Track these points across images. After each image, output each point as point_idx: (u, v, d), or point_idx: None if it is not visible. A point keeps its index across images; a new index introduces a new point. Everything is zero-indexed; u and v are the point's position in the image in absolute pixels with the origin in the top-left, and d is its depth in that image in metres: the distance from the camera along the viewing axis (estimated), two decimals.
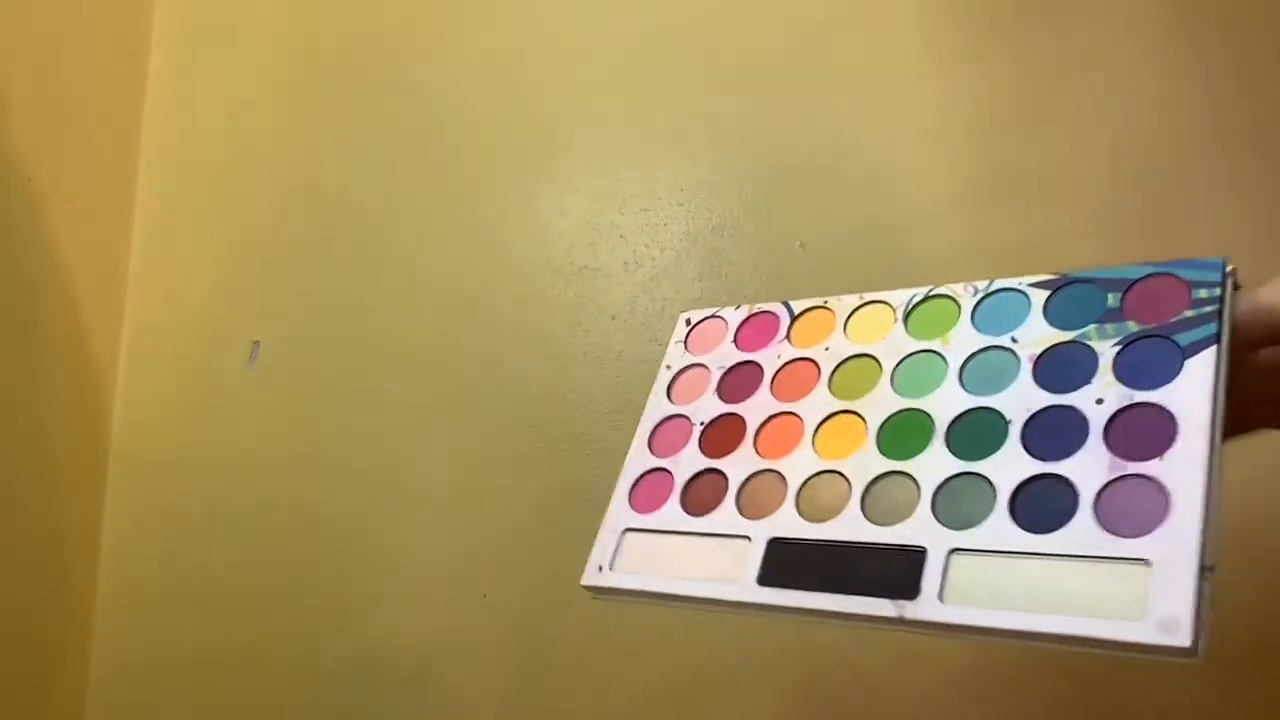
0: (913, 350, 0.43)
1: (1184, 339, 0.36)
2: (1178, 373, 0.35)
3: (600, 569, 0.44)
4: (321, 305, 0.90)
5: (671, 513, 0.44)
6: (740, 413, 0.45)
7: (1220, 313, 0.36)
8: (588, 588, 0.44)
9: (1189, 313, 0.37)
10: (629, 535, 0.44)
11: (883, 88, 0.79)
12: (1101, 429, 0.36)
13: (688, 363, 0.49)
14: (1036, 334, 0.40)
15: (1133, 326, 0.38)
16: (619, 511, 0.45)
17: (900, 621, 0.35)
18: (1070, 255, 0.68)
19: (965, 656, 0.67)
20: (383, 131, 0.91)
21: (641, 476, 0.46)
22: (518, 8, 0.89)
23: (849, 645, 0.73)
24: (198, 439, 0.91)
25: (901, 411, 0.41)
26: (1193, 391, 0.35)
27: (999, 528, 0.35)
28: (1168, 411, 0.35)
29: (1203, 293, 0.37)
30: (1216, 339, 0.35)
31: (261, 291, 0.92)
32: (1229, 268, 0.37)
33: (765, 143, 0.81)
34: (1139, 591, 0.32)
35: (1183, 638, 0.30)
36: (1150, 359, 0.36)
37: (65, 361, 0.89)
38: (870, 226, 0.76)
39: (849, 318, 0.46)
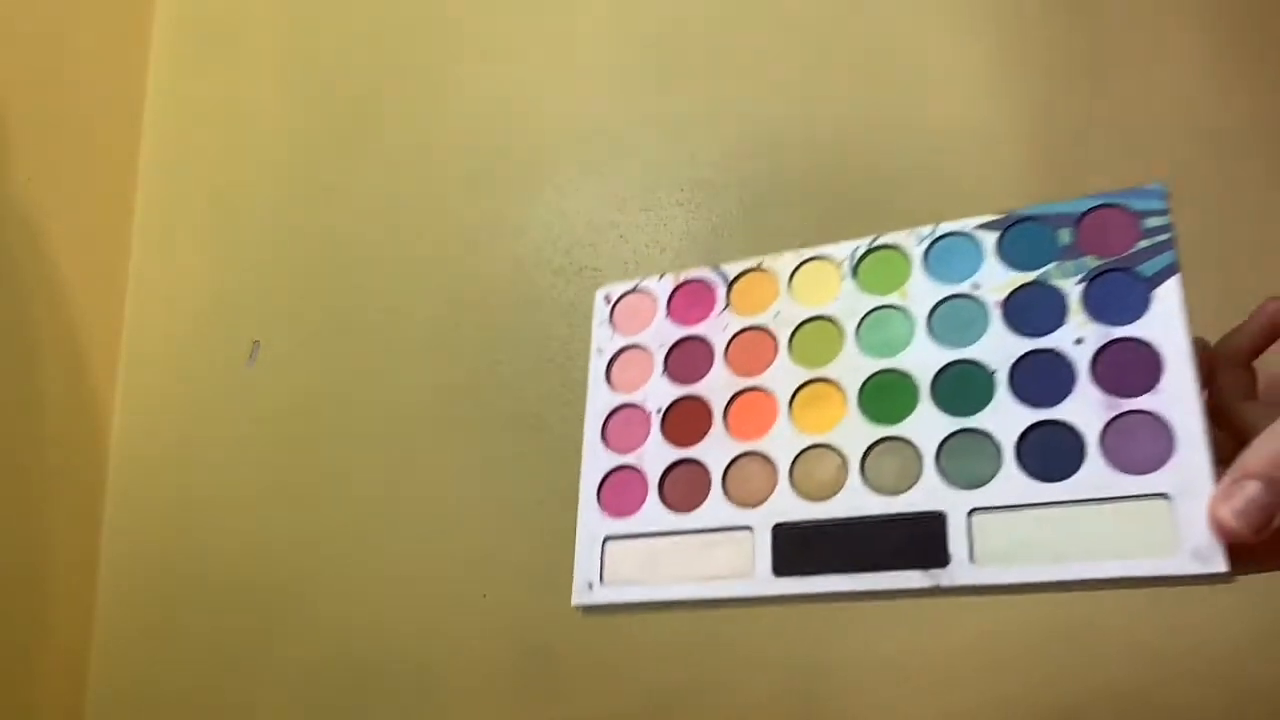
0: (871, 307, 0.41)
1: (1146, 270, 0.37)
2: (1148, 305, 0.36)
3: (590, 585, 0.42)
4: (321, 305, 0.90)
5: (653, 513, 0.42)
6: (699, 394, 0.43)
7: (1174, 240, 0.36)
8: (582, 607, 0.42)
9: (1143, 243, 0.37)
10: (612, 544, 0.42)
11: (884, 88, 0.79)
12: (1088, 369, 0.36)
13: (621, 345, 0.46)
14: (997, 278, 0.39)
15: (1091, 261, 0.38)
16: (591, 519, 0.43)
17: (936, 590, 0.35)
18: None
19: None
20: (382, 131, 0.91)
21: (606, 477, 0.44)
22: (518, 8, 0.90)
23: (851, 649, 0.72)
24: (197, 439, 0.91)
25: (878, 374, 0.40)
26: (1167, 321, 0.35)
27: (1011, 482, 0.35)
28: (1148, 344, 0.35)
29: (1152, 221, 0.37)
30: (1177, 267, 0.36)
31: (261, 291, 0.92)
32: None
33: (765, 143, 0.81)
34: (1165, 525, 0.32)
35: (1218, 564, 0.31)
36: (1117, 292, 0.37)
37: (65, 362, 0.89)
38: (872, 227, 0.76)
39: (791, 278, 0.44)
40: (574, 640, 0.78)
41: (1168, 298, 0.36)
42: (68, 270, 0.88)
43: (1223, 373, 0.39)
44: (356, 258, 0.90)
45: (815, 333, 0.42)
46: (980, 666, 0.68)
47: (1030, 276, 0.39)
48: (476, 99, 0.89)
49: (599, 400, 0.45)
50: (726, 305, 0.45)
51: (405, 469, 0.84)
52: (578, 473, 0.80)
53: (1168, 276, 0.36)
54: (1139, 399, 0.35)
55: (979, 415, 0.37)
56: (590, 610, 0.42)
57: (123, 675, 0.89)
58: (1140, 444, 0.34)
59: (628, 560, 0.42)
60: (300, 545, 0.86)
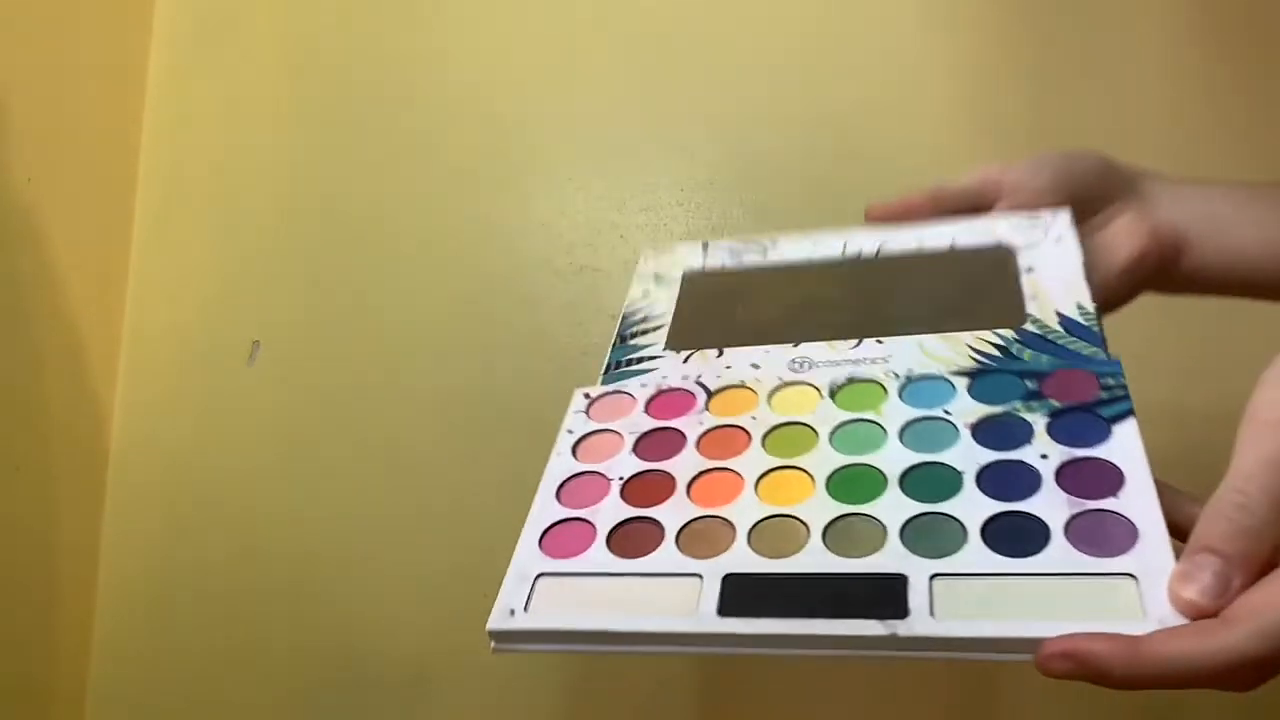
0: (847, 419, 0.43)
1: (1106, 412, 0.39)
2: (1109, 435, 0.38)
3: (512, 612, 0.38)
4: (321, 305, 0.90)
5: (597, 556, 0.39)
6: (666, 469, 0.42)
7: (1129, 395, 0.40)
8: (496, 633, 0.38)
9: (1103, 394, 0.40)
10: (544, 580, 0.39)
11: (886, 88, 0.79)
12: (1053, 476, 0.37)
13: (593, 428, 0.46)
14: (968, 408, 0.42)
15: (1055, 403, 0.41)
16: (528, 558, 0.40)
17: (893, 640, 0.33)
18: None
19: None
20: (382, 131, 0.91)
21: (551, 526, 0.41)
22: (518, 7, 0.90)
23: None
24: (198, 440, 0.91)
25: (849, 465, 0.40)
26: (1128, 447, 0.38)
27: (977, 555, 0.35)
28: (1111, 463, 0.37)
29: (1110, 380, 0.41)
30: (1133, 413, 0.39)
31: (261, 291, 0.92)
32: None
33: (766, 143, 0.81)
34: (1131, 598, 0.33)
35: None
36: (1080, 426, 0.39)
37: (65, 362, 0.89)
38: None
39: (771, 395, 0.45)
40: None
41: (1128, 431, 0.38)
42: (68, 270, 0.88)
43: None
44: (357, 258, 0.90)
45: (790, 432, 0.43)
46: None
47: (999, 410, 0.41)
48: (477, 99, 0.89)
49: (559, 467, 0.44)
50: (705, 409, 0.45)
51: (404, 468, 0.85)
52: None
53: (1125, 418, 0.39)
54: (1104, 501, 0.36)
55: (946, 503, 0.38)
56: (504, 639, 0.38)
57: (123, 675, 0.89)
58: (1105, 533, 0.35)
59: (561, 595, 0.38)
60: (300, 545, 0.86)
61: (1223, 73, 0.73)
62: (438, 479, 0.84)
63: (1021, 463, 0.38)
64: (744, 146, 0.82)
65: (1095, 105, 0.75)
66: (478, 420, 0.84)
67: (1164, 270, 0.50)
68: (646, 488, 0.42)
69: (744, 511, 0.39)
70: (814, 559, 0.37)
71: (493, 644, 0.38)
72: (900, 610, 0.34)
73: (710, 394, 0.46)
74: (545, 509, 0.42)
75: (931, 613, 0.34)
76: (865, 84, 0.80)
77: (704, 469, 0.42)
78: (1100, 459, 0.37)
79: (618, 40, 0.87)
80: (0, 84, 0.83)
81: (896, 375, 0.44)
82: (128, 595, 0.90)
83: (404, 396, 0.86)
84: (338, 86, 0.94)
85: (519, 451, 0.82)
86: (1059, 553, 0.34)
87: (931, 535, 0.37)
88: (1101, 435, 0.38)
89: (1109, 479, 0.37)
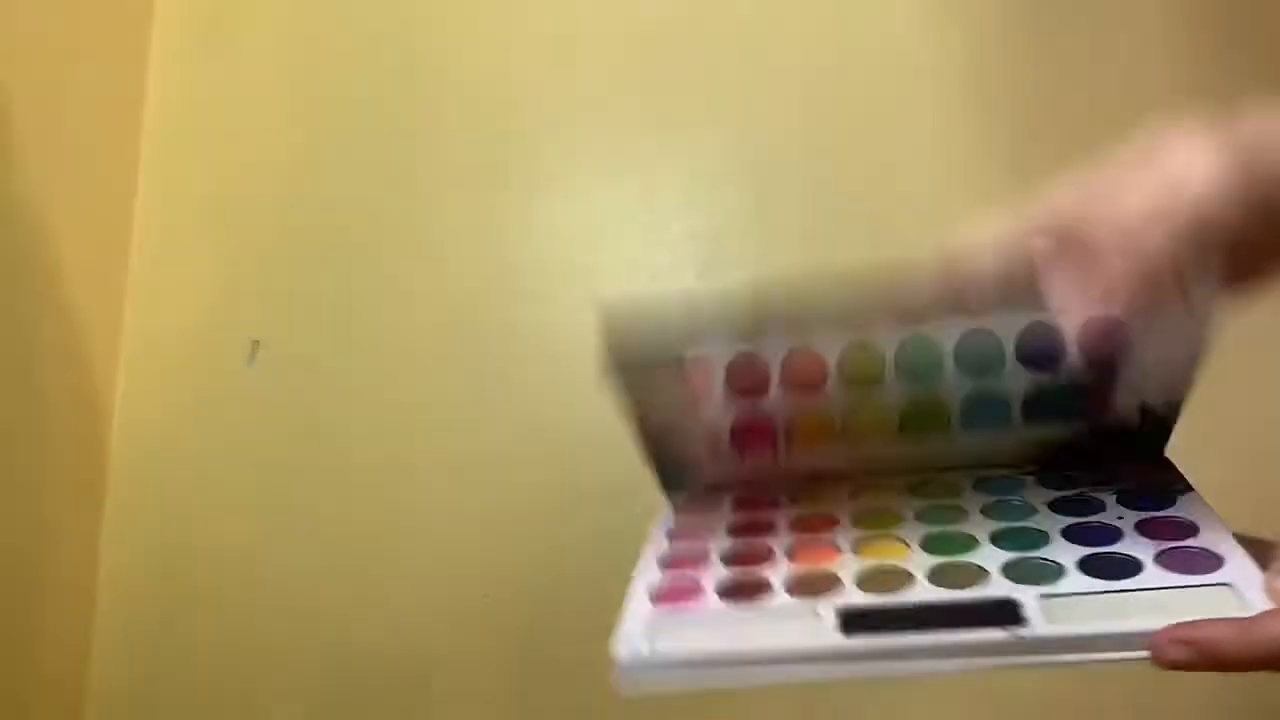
0: (931, 504, 0.46)
1: (1172, 489, 0.43)
2: (1175, 502, 0.42)
3: (638, 645, 0.39)
4: (321, 305, 0.90)
5: (711, 604, 0.41)
6: (764, 541, 0.44)
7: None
8: (625, 663, 0.38)
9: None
10: (664, 622, 0.40)
11: (886, 88, 0.79)
12: (1133, 528, 0.41)
13: (686, 521, 0.48)
14: (1040, 493, 0.45)
15: (1121, 485, 0.44)
16: (642, 608, 0.41)
17: (1017, 644, 0.35)
18: None
19: None
20: (383, 131, 0.91)
21: (659, 588, 0.43)
22: (519, 8, 0.90)
23: None
24: (198, 440, 0.91)
25: (940, 532, 0.43)
26: (1195, 504, 0.41)
27: (1078, 580, 0.38)
28: (1183, 517, 0.41)
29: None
30: (1191, 489, 0.42)
31: (261, 291, 0.92)
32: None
33: (767, 142, 0.81)
34: (1230, 601, 0.35)
35: None
36: (1147, 499, 0.43)
37: (65, 362, 0.89)
38: (872, 226, 0.76)
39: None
40: (574, 640, 0.78)
41: (1191, 497, 0.42)
42: (68, 270, 0.88)
43: None
44: (356, 259, 0.90)
45: (878, 514, 0.46)
46: None
47: (1071, 491, 0.45)
48: (476, 100, 0.89)
49: (657, 548, 0.46)
50: (794, 505, 0.47)
51: (404, 468, 0.84)
52: (577, 472, 0.80)
53: (1187, 491, 0.43)
54: (1183, 541, 0.39)
55: (1039, 551, 0.40)
56: (631, 669, 0.38)
57: (123, 675, 0.89)
58: (1192, 560, 0.38)
59: (682, 632, 0.39)
60: (300, 545, 0.86)
61: (1226, 66, 0.73)
62: (437, 477, 0.84)
63: (1101, 523, 0.42)
64: (744, 146, 0.82)
65: (1096, 104, 0.75)
66: (477, 420, 0.84)
67: None
68: (747, 554, 0.44)
69: (847, 565, 0.42)
70: (924, 593, 0.39)
71: (618, 678, 0.39)
72: (1018, 621, 0.36)
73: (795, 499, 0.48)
74: (650, 574, 0.44)
75: (1049, 621, 0.36)
76: (865, 84, 0.80)
77: (801, 540, 0.44)
78: (1171, 516, 0.41)
79: (618, 41, 0.87)
80: (1, 85, 0.83)
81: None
82: (127, 596, 0.90)
83: (403, 396, 0.86)
84: (338, 87, 0.94)
85: (519, 450, 0.82)
86: (1155, 574, 0.37)
87: (1032, 570, 0.39)
88: (1169, 502, 0.42)
89: (1184, 528, 0.40)
